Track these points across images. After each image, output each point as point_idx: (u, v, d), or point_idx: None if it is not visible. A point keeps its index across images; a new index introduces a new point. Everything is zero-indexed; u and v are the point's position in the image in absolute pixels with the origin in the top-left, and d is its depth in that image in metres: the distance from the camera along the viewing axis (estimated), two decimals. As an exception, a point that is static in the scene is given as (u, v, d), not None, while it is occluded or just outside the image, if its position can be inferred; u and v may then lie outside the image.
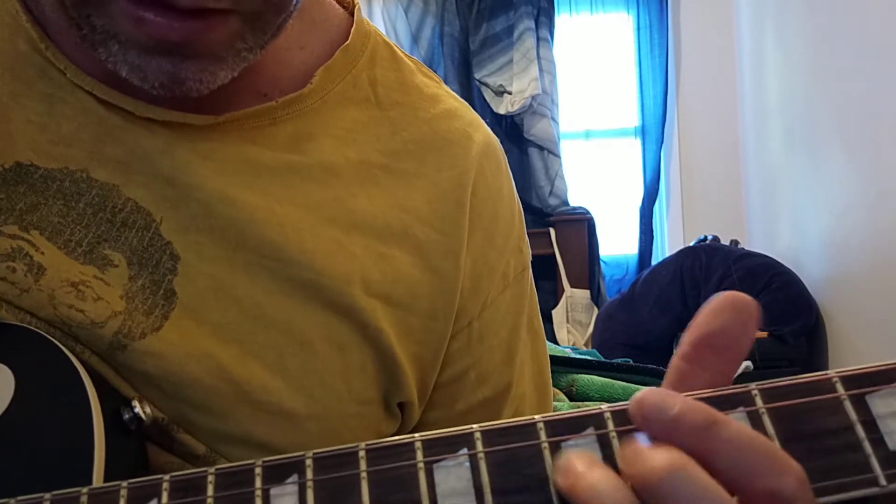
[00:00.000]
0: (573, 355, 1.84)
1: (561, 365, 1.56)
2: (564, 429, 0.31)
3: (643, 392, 0.31)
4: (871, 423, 0.30)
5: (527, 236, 0.62)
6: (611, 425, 0.31)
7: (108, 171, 0.49)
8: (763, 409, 0.30)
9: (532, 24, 3.54)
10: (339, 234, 0.51)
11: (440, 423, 0.56)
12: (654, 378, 1.44)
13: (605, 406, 0.30)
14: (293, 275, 0.49)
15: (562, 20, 3.67)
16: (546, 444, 0.30)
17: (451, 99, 0.60)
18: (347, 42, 0.56)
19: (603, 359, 2.01)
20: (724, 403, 0.31)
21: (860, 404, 0.30)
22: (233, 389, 0.48)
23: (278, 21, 0.46)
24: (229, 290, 0.49)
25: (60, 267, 0.47)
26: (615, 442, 0.31)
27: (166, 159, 0.49)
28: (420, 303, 0.53)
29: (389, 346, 0.51)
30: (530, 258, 0.62)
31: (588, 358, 1.75)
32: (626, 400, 1.04)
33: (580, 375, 1.53)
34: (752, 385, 0.31)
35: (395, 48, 0.60)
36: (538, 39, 3.54)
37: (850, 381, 0.31)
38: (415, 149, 0.55)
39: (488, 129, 0.60)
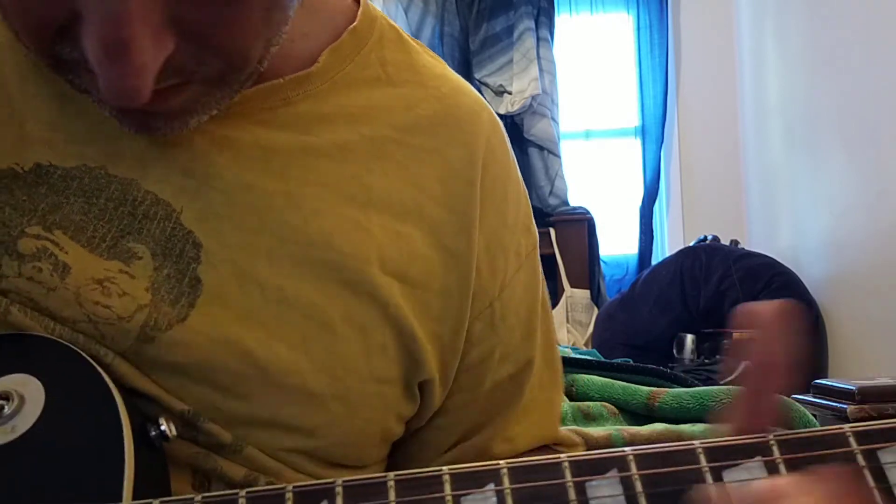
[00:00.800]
0: (573, 355, 1.85)
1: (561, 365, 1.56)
2: (589, 469, 0.32)
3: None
4: (881, 477, 0.31)
5: (532, 216, 0.64)
6: (633, 468, 0.32)
7: (126, 167, 0.50)
8: (780, 460, 0.31)
9: (532, 24, 3.53)
10: (356, 213, 0.52)
11: (469, 404, 0.58)
12: (654, 378, 1.45)
13: (628, 449, 0.31)
14: (313, 257, 0.51)
15: (562, 20, 3.67)
16: (571, 484, 0.31)
17: (456, 78, 0.62)
18: (355, 24, 0.57)
19: (603, 359, 2.01)
20: (742, 452, 0.32)
21: (871, 458, 0.31)
22: (258, 373, 0.49)
23: (245, 74, 0.47)
24: (252, 275, 0.50)
25: (85, 265, 0.48)
26: (637, 483, 0.31)
27: (182, 152, 0.50)
28: (435, 281, 0.54)
29: (408, 324, 0.52)
30: (537, 238, 0.63)
31: (588, 358, 1.76)
32: (625, 400, 1.04)
33: (580, 375, 1.54)
34: (770, 436, 0.32)
35: (401, 31, 0.61)
36: (538, 39, 3.54)
37: (863, 436, 0.32)
38: (427, 124, 0.56)
39: (492, 110, 0.62)
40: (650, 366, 1.54)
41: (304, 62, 0.54)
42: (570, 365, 1.59)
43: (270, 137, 0.52)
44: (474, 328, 0.56)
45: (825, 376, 2.65)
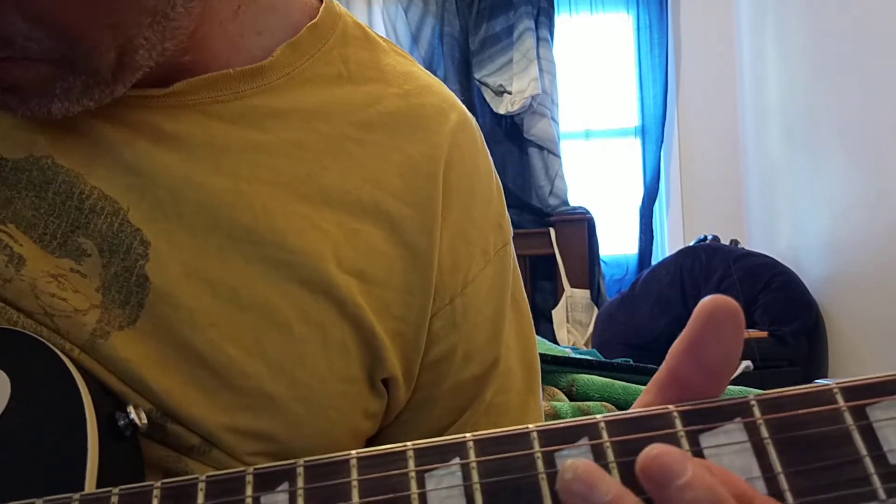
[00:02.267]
0: (573, 355, 1.84)
1: (561, 365, 1.56)
2: (558, 438, 0.30)
3: (656, 450, 0.30)
4: (871, 438, 0.29)
5: (507, 214, 0.62)
6: (605, 435, 0.30)
7: (73, 160, 0.49)
8: (761, 421, 0.30)
9: (532, 24, 3.53)
10: (310, 211, 0.51)
11: (429, 402, 0.56)
12: (654, 378, 1.44)
13: (599, 416, 0.30)
14: (266, 255, 0.49)
15: (562, 20, 3.66)
16: (539, 454, 0.30)
17: (426, 76, 0.60)
18: (315, 20, 0.56)
19: (603, 359, 2.01)
20: (721, 414, 0.31)
21: (860, 416, 0.29)
22: (211, 376, 0.48)
23: (102, 63, 0.45)
24: (202, 274, 0.48)
25: (39, 259, 0.47)
26: (609, 452, 0.30)
27: (127, 149, 0.49)
28: (395, 278, 0.52)
29: (368, 321, 0.51)
30: (511, 235, 0.61)
31: (588, 358, 1.75)
32: (625, 400, 1.04)
33: (580, 375, 1.53)
34: (751, 396, 0.30)
35: (367, 29, 0.60)
36: (538, 39, 3.53)
37: (850, 392, 0.30)
38: (389, 121, 0.55)
39: (463, 107, 0.60)
40: (650, 366, 1.53)
41: (256, 58, 0.53)
42: (570, 365, 1.59)
43: (221, 132, 0.51)
44: (434, 325, 0.54)
45: (825, 376, 2.64)
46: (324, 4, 0.57)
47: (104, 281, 0.48)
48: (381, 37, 0.61)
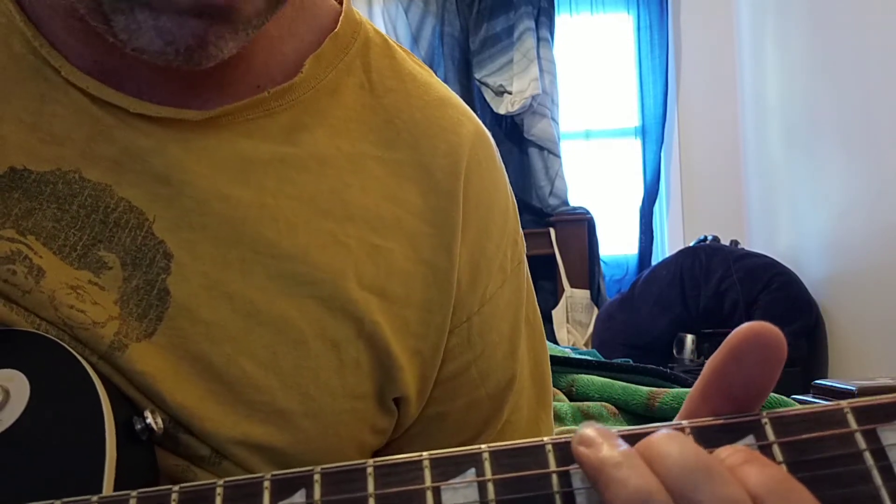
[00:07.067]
0: (573, 355, 1.84)
1: (561, 365, 1.56)
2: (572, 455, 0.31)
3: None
4: (881, 455, 0.29)
5: (521, 229, 0.62)
6: None
7: (101, 171, 0.49)
8: (774, 441, 0.30)
9: (532, 24, 3.53)
10: (333, 227, 0.51)
11: (440, 417, 0.57)
12: (654, 378, 1.44)
13: (615, 430, 0.30)
14: (287, 270, 0.50)
15: (562, 20, 3.67)
16: (555, 468, 0.30)
17: (443, 88, 0.60)
18: (336, 30, 0.56)
19: (603, 359, 2.01)
20: (733, 432, 0.31)
21: (871, 437, 0.30)
22: (226, 390, 0.48)
23: None
24: (222, 287, 0.49)
25: (58, 271, 0.48)
26: None
27: (158, 158, 0.49)
28: (415, 296, 0.53)
29: (384, 340, 0.51)
30: (525, 251, 0.62)
31: (588, 358, 1.75)
32: (625, 400, 1.03)
33: (580, 375, 1.53)
34: (763, 414, 0.30)
35: (387, 37, 0.60)
36: (538, 39, 3.53)
37: (862, 412, 0.30)
38: (408, 137, 0.55)
39: (479, 121, 0.61)
40: (650, 366, 1.53)
41: (289, 66, 0.54)
42: (570, 365, 1.59)
43: (249, 148, 0.51)
44: (450, 342, 0.55)
45: (825, 376, 2.64)
46: (343, 12, 0.57)
47: (123, 294, 0.48)
48: (400, 45, 0.61)
